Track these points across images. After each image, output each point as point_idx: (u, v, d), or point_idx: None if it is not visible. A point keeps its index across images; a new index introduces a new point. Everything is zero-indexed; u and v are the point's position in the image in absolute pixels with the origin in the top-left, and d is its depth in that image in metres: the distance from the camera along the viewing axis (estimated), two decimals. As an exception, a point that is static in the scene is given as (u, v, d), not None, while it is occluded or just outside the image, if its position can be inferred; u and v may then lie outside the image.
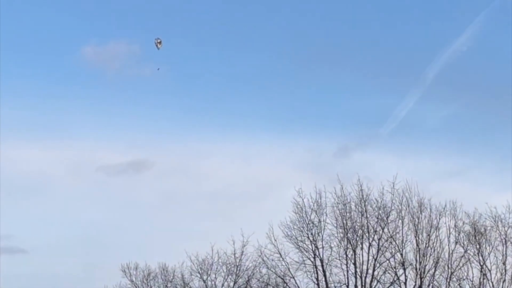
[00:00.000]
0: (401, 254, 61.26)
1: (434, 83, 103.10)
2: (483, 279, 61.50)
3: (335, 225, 62.09)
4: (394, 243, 61.31)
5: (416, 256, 61.21)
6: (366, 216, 61.83)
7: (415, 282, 61.05)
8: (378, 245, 61.21)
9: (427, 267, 61.06)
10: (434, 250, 61.31)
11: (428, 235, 61.58)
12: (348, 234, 61.61)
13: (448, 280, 61.34)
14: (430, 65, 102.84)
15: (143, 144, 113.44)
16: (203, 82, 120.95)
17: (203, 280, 67.45)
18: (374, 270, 61.01)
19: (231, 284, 66.70)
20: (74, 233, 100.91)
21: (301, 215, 62.60)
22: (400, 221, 61.76)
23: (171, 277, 70.27)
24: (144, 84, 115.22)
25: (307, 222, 62.38)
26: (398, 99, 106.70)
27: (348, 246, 61.51)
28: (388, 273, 61.38)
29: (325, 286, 61.57)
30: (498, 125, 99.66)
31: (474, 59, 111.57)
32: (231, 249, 66.32)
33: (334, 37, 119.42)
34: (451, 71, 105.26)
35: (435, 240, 61.53)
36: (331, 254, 61.74)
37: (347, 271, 61.34)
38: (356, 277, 61.10)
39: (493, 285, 61.30)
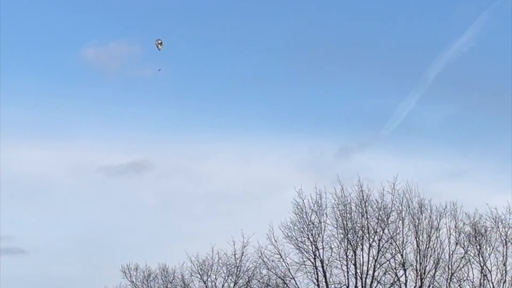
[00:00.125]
0: (402, 255, 61.23)
1: (435, 84, 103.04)
2: (484, 280, 61.45)
3: (336, 226, 62.12)
4: (394, 244, 61.26)
5: (417, 257, 61.18)
6: (367, 217, 61.81)
7: (416, 283, 61.00)
8: (379, 246, 61.16)
9: (427, 268, 61.04)
10: (434, 251, 61.28)
11: (429, 236, 61.53)
12: (349, 235, 61.58)
13: (448, 281, 61.29)
14: (431, 65, 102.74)
15: (144, 145, 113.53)
16: (203, 83, 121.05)
17: (203, 281, 67.45)
18: (374, 271, 60.98)
19: (232, 285, 66.68)
20: (75, 234, 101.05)
21: (301, 216, 62.61)
22: (401, 222, 61.75)
23: (171, 278, 70.30)
24: (145, 85, 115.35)
25: (307, 223, 62.36)
26: (399, 100, 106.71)
27: (348, 247, 61.47)
28: (389, 274, 61.34)
29: (325, 287, 61.53)
30: (499, 125, 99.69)
31: (475, 59, 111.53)
32: (231, 250, 66.45)
33: (334, 37, 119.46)
34: (452, 71, 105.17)
35: (436, 241, 61.50)
36: (331, 255, 61.80)
37: (348, 272, 61.35)
38: (356, 278, 61.06)
39: (493, 286, 61.26)
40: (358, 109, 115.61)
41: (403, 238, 61.41)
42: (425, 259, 61.07)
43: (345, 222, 61.89)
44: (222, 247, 66.58)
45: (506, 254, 61.64)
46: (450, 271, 61.26)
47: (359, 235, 61.46)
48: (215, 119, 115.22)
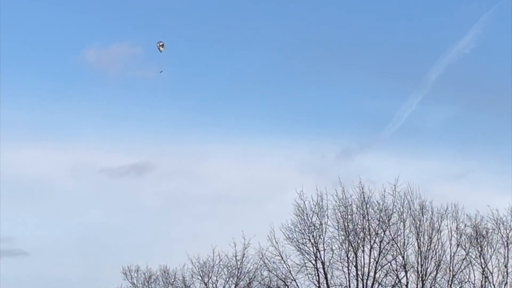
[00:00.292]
0: (403, 257, 61.18)
1: (437, 85, 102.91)
2: (485, 281, 61.41)
3: (337, 227, 62.10)
4: (395, 245, 61.24)
5: (418, 258, 61.14)
6: (368, 218, 61.77)
7: (417, 284, 60.94)
8: (380, 247, 61.13)
9: (428, 269, 60.99)
10: (435, 253, 61.24)
11: (430, 237, 61.50)
12: (350, 237, 61.53)
13: (449, 282, 61.24)
14: (433, 67, 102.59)
15: (145, 146, 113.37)
16: (205, 84, 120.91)
17: (204, 282, 67.36)
18: (375, 273, 60.92)
19: (232, 286, 66.59)
20: (76, 235, 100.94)
21: (302, 217, 62.57)
22: (402, 223, 61.75)
23: (172, 280, 70.22)
24: (146, 86, 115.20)
25: (308, 224, 62.32)
26: (400, 101, 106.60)
27: (349, 248, 61.40)
28: (390, 275, 61.30)
29: (326, 288, 61.56)
30: (501, 127, 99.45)
31: (477, 61, 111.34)
32: (232, 252, 66.38)
33: (336, 38, 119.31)
34: (453, 73, 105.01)
35: (437, 242, 61.48)
36: (332, 256, 61.77)
37: (349, 274, 61.26)
38: (357, 280, 60.99)
39: (494, 288, 61.26)
40: (360, 111, 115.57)
41: (404, 239, 61.42)
42: (426, 260, 61.03)
43: (346, 224, 61.86)
44: (223, 249, 66.59)
45: (507, 256, 61.64)
46: (451, 273, 61.21)
47: (360, 236, 61.40)
48: (216, 120, 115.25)
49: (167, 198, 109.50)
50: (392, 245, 61.30)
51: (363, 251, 61.25)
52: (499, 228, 62.14)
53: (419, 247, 61.21)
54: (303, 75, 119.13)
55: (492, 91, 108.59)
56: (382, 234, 61.28)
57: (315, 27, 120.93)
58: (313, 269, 61.80)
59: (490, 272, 61.39)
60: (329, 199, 62.38)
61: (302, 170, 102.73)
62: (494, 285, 61.33)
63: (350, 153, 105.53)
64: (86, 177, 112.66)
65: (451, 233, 61.94)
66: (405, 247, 61.24)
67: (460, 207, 62.53)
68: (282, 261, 62.53)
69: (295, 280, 62.54)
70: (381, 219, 61.59)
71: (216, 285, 67.10)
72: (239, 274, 66.17)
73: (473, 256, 61.66)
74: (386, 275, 61.23)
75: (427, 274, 60.87)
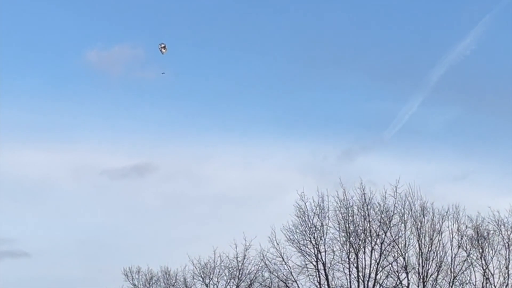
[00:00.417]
0: (404, 258, 61.20)
1: (438, 87, 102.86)
2: (486, 283, 61.40)
3: (338, 229, 62.14)
4: (396, 247, 61.26)
5: (419, 260, 61.17)
6: (369, 220, 61.79)
7: (418, 286, 60.98)
8: (381, 249, 61.14)
9: (429, 271, 61.00)
10: (436, 254, 61.26)
11: (431, 239, 61.53)
12: (351, 238, 61.55)
13: (451, 284, 61.24)
14: (434, 68, 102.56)
15: (147, 147, 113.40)
16: (206, 86, 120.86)
17: (205, 284, 67.37)
18: (376, 274, 60.94)
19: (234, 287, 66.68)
20: (77, 236, 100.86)
21: (303, 219, 62.62)
22: (403, 225, 61.79)
23: (173, 281, 70.20)
24: (148, 88, 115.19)
25: (309, 226, 62.37)
26: (401, 103, 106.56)
27: (350, 250, 61.43)
28: (391, 277, 61.30)
29: (327, 290, 61.57)
30: (502, 129, 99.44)
31: (478, 62, 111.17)
32: (233, 253, 66.36)
33: (337, 40, 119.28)
34: (454, 74, 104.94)
35: (438, 244, 61.49)
36: (333, 258, 61.83)
37: (350, 275, 61.29)
38: (358, 281, 61.01)
39: (496, 289, 61.24)
40: (361, 112, 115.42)
41: (405, 241, 61.46)
42: (428, 262, 61.04)
43: (347, 225, 61.88)
44: (224, 250, 66.59)
45: (508, 257, 61.64)
46: (452, 274, 61.21)
47: (361, 238, 61.43)
48: (218, 122, 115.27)
49: (169, 199, 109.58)
50: (393, 246, 61.33)
51: (364, 252, 61.30)
52: (500, 230, 62.19)
53: (420, 249, 61.24)
54: (304, 77, 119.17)
55: (493, 93, 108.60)
56: (383, 236, 61.31)
57: (316, 29, 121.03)
58: (314, 270, 61.84)
59: (491, 273, 61.41)
60: (330, 201, 62.61)
61: (303, 172, 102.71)
62: (495, 286, 61.34)
63: (351, 155, 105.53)
64: (87, 178, 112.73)
65: (452, 235, 62.06)
66: (406, 248, 61.30)
67: (461, 209, 62.67)
68: (283, 262, 62.64)
69: (296, 282, 62.62)
70: (382, 221, 61.63)
71: (217, 286, 67.12)
72: (240, 276, 66.19)
73: (474, 258, 61.68)
74: (387, 276, 61.25)
75: (428, 276, 60.88)
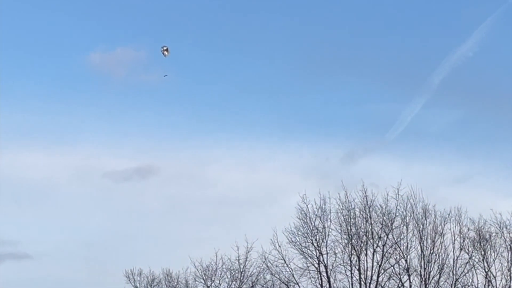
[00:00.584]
0: (406, 261, 61.15)
1: (440, 89, 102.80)
2: (488, 285, 61.30)
3: (340, 231, 62.13)
4: (398, 249, 61.21)
5: (421, 262, 61.11)
6: (371, 222, 61.75)
7: (420, 288, 60.92)
8: (383, 251, 61.09)
9: (431, 273, 60.93)
10: (438, 257, 61.19)
11: (433, 241, 61.48)
12: (353, 240, 61.50)
13: (453, 286, 61.16)
14: (436, 70, 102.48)
15: (149, 150, 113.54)
16: (209, 89, 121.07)
17: (207, 286, 67.38)
18: (378, 277, 60.90)
19: (235, 290, 66.62)
20: (79, 238, 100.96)
21: (305, 221, 62.62)
22: (405, 227, 61.75)
23: (175, 283, 70.27)
24: (150, 91, 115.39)
25: (311, 228, 62.36)
26: (403, 105, 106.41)
27: (352, 252, 61.38)
28: (393, 279, 61.25)
29: (329, 292, 61.53)
30: (504, 131, 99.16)
31: (480, 64, 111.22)
32: (235, 255, 66.40)
33: (339, 42, 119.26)
34: (456, 76, 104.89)
35: (440, 246, 61.44)
36: (335, 260, 61.78)
37: (352, 277, 61.22)
38: (360, 284, 60.95)
39: (498, 292, 61.15)
40: (363, 114, 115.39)
41: (407, 243, 61.39)
42: (430, 264, 60.98)
43: (349, 228, 61.83)
44: (226, 252, 66.66)
45: (510, 260, 61.52)
46: (454, 277, 61.15)
47: (363, 240, 61.38)
48: (220, 125, 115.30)
49: (171, 202, 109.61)
50: (395, 248, 61.28)
51: (366, 254, 61.25)
52: (502, 232, 62.10)
53: (422, 251, 61.18)
54: (306, 79, 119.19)
55: (496, 95, 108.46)
56: (385, 238, 61.27)
57: (318, 31, 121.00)
58: (316, 272, 61.82)
59: (493, 276, 61.30)
60: (332, 203, 62.59)
61: (305, 174, 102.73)
62: (497, 288, 61.26)
63: (353, 157, 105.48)
64: (90, 181, 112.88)
65: (454, 237, 61.94)
66: (408, 250, 61.23)
67: (463, 211, 62.62)
68: (285, 265, 62.68)
69: (298, 284, 62.63)
70: (384, 223, 61.59)
71: (219, 288, 67.17)
72: (242, 278, 66.19)
73: (476, 260, 61.60)
74: (389, 278, 61.21)
75: (430, 278, 60.81)
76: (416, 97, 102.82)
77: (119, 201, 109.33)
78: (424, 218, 61.97)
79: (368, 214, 61.90)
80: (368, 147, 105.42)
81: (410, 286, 61.01)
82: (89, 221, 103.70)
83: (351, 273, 61.22)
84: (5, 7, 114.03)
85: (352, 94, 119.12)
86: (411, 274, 60.98)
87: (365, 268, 61.10)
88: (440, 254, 61.21)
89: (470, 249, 61.75)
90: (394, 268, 61.18)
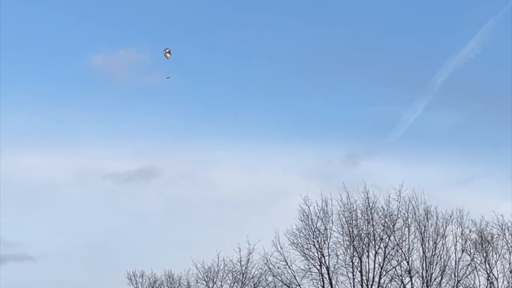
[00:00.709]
0: (408, 262, 61.11)
1: (442, 91, 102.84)
2: (490, 287, 61.22)
3: (341, 232, 62.06)
4: (400, 251, 61.17)
5: (423, 264, 61.07)
6: (372, 224, 61.72)
7: (422, 290, 60.88)
8: (384, 253, 61.05)
9: (433, 275, 60.92)
10: (440, 258, 61.16)
11: (435, 243, 61.43)
12: (354, 242, 61.47)
13: (454, 288, 61.17)
14: (438, 72, 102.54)
15: (151, 151, 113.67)
16: (211, 91, 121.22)
17: (209, 287, 67.36)
18: (380, 278, 60.86)
19: (237, 291, 66.63)
20: (82, 240, 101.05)
21: (307, 222, 62.59)
22: (407, 229, 61.69)
23: (177, 285, 70.39)
24: (153, 92, 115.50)
25: (313, 229, 62.32)
26: (405, 107, 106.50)
27: (354, 254, 61.36)
28: (395, 281, 61.22)
29: (331, 294, 61.52)
30: (506, 133, 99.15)
31: (482, 66, 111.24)
32: (237, 257, 66.48)
33: (341, 44, 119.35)
34: (459, 78, 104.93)
35: (442, 248, 61.41)
36: (337, 262, 61.75)
37: (353, 279, 61.23)
38: (362, 285, 60.91)
39: (500, 294, 61.11)
40: (365, 116, 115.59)
41: (409, 245, 61.35)
42: (431, 266, 60.95)
43: (351, 229, 61.81)
44: (228, 254, 66.75)
45: (512, 262, 61.49)
46: (456, 278, 61.11)
47: (365, 242, 61.35)
48: (222, 126, 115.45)
49: (173, 204, 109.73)
50: (397, 250, 61.24)
51: (367, 256, 61.24)
52: (504, 234, 62.08)
53: (424, 253, 61.15)
54: (308, 81, 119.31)
55: (498, 97, 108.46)
56: (387, 240, 61.23)
57: (320, 33, 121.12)
58: (318, 274, 61.80)
59: (495, 277, 61.29)
60: (333, 205, 62.56)
61: (307, 176, 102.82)
62: (499, 290, 61.23)
63: (355, 158, 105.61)
64: (92, 182, 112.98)
65: (456, 239, 61.93)
66: (410, 252, 61.20)
67: (465, 213, 62.62)
68: (287, 266, 62.60)
69: (299, 286, 62.57)
70: (385, 225, 61.56)
71: (220, 290, 67.17)
72: (243, 279, 66.21)
73: (478, 262, 61.57)
74: (391, 280, 61.17)
75: (432, 280, 60.77)
76: (418, 98, 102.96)
77: (121, 202, 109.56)
78: (426, 220, 61.96)
79: (370, 216, 61.88)
80: (370, 149, 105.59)
81: (412, 287, 61.03)
82: (91, 222, 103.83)
83: (353, 275, 61.22)
84: (8, 8, 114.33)
85: (354, 96, 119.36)
86: (413, 276, 60.95)
87: (367, 270, 61.08)
88: (442, 256, 61.20)
89: (472, 251, 61.74)
90: (396, 270, 61.14)
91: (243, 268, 66.19)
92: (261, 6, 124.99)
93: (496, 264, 61.48)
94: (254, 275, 65.92)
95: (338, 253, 61.68)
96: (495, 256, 61.64)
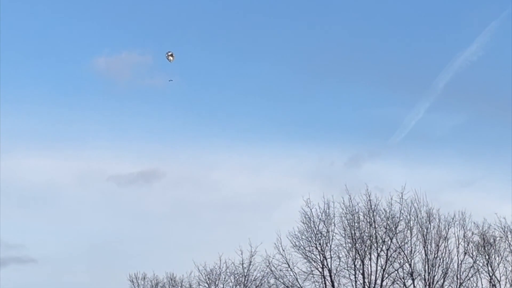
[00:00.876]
0: (410, 265, 61.04)
1: (444, 93, 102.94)
2: (493, 290, 61.20)
3: (343, 235, 61.99)
4: (402, 253, 61.12)
5: (425, 266, 61.01)
6: (375, 226, 61.66)
7: (424, 292, 60.80)
8: (387, 255, 61.00)
9: (436, 277, 60.83)
10: (443, 261, 61.09)
11: (437, 245, 61.37)
12: (357, 244, 61.41)
13: (457, 290, 61.07)
14: (440, 74, 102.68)
15: (154, 154, 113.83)
16: (213, 93, 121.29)
17: (211, 290, 67.37)
18: (382, 281, 60.79)
19: (239, 294, 66.57)
20: (84, 242, 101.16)
21: (309, 225, 62.55)
22: (409, 231, 61.63)
23: (179, 287, 70.21)
24: (155, 95, 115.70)
25: (315, 232, 62.28)
26: (408, 109, 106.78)
27: (356, 256, 61.30)
28: (397, 283, 61.14)
29: (333, 296, 61.45)
30: (508, 135, 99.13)
31: (484, 68, 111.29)
32: (239, 259, 66.42)
33: (343, 47, 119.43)
34: (461, 80, 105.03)
35: (444, 250, 61.33)
36: (339, 264, 61.70)
37: (355, 282, 61.14)
38: (364, 288, 60.91)
39: (502, 296, 61.04)
40: (367, 118, 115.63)
41: (411, 247, 61.31)
42: (434, 268, 60.87)
43: (353, 232, 61.76)
44: (230, 256, 66.68)
45: (515, 264, 61.38)
46: (458, 281, 61.02)
47: (367, 244, 61.28)
48: (224, 129, 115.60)
49: (175, 206, 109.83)
50: (399, 253, 61.19)
51: (370, 259, 61.16)
52: (507, 236, 62.02)
53: (426, 255, 61.08)
54: (311, 83, 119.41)
55: (500, 99, 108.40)
56: (389, 242, 61.17)
57: (322, 35, 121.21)
58: (320, 276, 61.72)
59: (497, 280, 61.21)
60: (336, 207, 62.55)
61: (309, 178, 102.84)
62: (501, 293, 61.14)
63: (358, 161, 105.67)
64: (94, 185, 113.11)
65: (458, 241, 61.88)
66: (412, 255, 61.13)
67: (468, 215, 62.55)
68: (289, 269, 62.53)
69: (301, 288, 62.50)
70: (388, 227, 61.50)
71: (222, 292, 67.11)
72: (246, 282, 66.14)
73: (481, 264, 61.50)
74: (393, 283, 61.09)
75: (434, 282, 60.70)
76: (420, 101, 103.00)
77: (123, 205, 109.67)
78: (428, 222, 61.89)
79: (372, 218, 61.84)
80: (372, 151, 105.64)
81: (414, 290, 60.97)
82: (94, 225, 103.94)
83: (355, 277, 61.14)
84: (10, 10, 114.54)
85: (356, 98, 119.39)
86: (415, 278, 60.86)
87: (369, 272, 61.01)
88: (444, 258, 61.11)
89: (474, 253, 61.67)
90: (398, 272, 61.10)
91: (245, 270, 66.19)
92: (264, 9, 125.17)
93: (498, 267, 61.48)
94: (256, 277, 65.88)
95: (340, 255, 61.74)
96: (497, 258, 61.61)
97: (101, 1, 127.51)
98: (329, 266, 61.71)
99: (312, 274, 61.92)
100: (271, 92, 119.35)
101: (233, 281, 66.70)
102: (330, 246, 61.95)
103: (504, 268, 61.41)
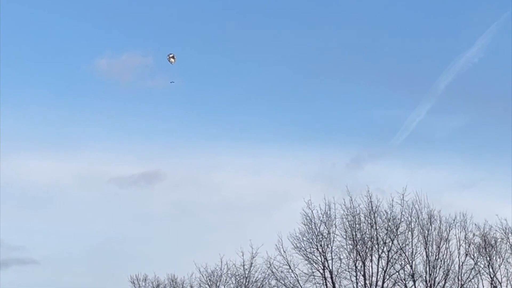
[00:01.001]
0: (411, 266, 61.04)
1: (445, 94, 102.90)
2: (494, 291, 61.19)
3: (345, 236, 62.03)
4: (403, 255, 61.12)
5: (426, 268, 61.02)
6: (376, 227, 61.66)
7: (425, 294, 60.78)
8: (388, 257, 60.99)
9: (437, 279, 60.81)
10: (444, 262, 61.09)
11: (438, 247, 61.37)
12: (358, 246, 61.42)
13: (458, 292, 61.05)
14: (441, 76, 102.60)
15: (155, 155, 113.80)
16: (214, 95, 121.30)
17: (212, 291, 67.34)
18: (383, 282, 60.80)
19: (240, 295, 66.55)
20: (85, 244, 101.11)
21: (310, 226, 62.59)
22: (410, 233, 61.63)
23: (180, 288, 70.26)
24: (157, 96, 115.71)
25: (316, 233, 62.29)
26: (409, 110, 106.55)
27: (357, 257, 61.30)
28: (398, 285, 61.14)
29: (334, 298, 61.45)
30: (510, 136, 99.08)
31: (486, 70, 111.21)
32: (240, 261, 66.35)
33: (344, 48, 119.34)
34: (462, 82, 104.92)
35: (445, 252, 61.37)
36: (340, 265, 61.73)
37: (357, 283, 61.14)
38: (365, 289, 60.89)
39: (503, 298, 61.00)
40: (369, 120, 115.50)
41: (413, 249, 61.31)
42: (435, 270, 60.87)
43: (354, 233, 61.76)
44: (231, 258, 66.65)
45: (516, 265, 61.36)
46: (460, 283, 61.02)
47: (368, 246, 61.29)
48: (225, 130, 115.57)
49: (176, 207, 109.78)
50: (400, 254, 61.19)
51: (371, 260, 61.15)
52: (508, 238, 62.04)
53: (427, 257, 61.08)
54: (312, 85, 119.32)
55: (501, 100, 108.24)
56: (390, 243, 61.16)
57: (323, 37, 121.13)
58: (321, 278, 61.72)
59: (498, 281, 61.21)
60: (337, 208, 62.57)
61: (310, 179, 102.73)
62: (502, 294, 61.11)
63: (359, 162, 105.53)
64: (96, 186, 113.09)
65: (460, 243, 61.90)
66: (413, 256, 61.15)
67: (469, 217, 62.59)
68: (290, 270, 62.53)
69: (302, 289, 62.47)
70: (389, 228, 61.50)
71: (224, 294, 67.10)
72: (247, 283, 66.12)
73: (482, 266, 61.53)
74: (394, 284, 61.10)
75: (436, 284, 60.69)
76: (422, 102, 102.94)
77: (125, 206, 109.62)
78: (429, 224, 61.90)
79: (373, 220, 61.84)
80: (373, 153, 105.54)
81: (415, 291, 60.97)
82: (95, 226, 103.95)
83: (356, 279, 61.14)
84: (12, 12, 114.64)
85: (358, 99, 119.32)
86: (416, 280, 60.86)
87: (370, 274, 61.02)
88: (446, 260, 61.13)
89: (475, 254, 61.69)
90: (399, 273, 61.09)
91: (246, 272, 66.13)
92: (264, 10, 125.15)
93: (499, 268, 61.48)
94: (257, 279, 65.83)
95: (341, 257, 61.75)
96: (498, 260, 61.62)
97: (102, 2, 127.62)
98: (330, 268, 61.75)
99: (313, 275, 61.95)
100: (272, 94, 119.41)
101: (234, 282, 66.73)
102: (331, 247, 62.02)
103: (506, 270, 61.49)
